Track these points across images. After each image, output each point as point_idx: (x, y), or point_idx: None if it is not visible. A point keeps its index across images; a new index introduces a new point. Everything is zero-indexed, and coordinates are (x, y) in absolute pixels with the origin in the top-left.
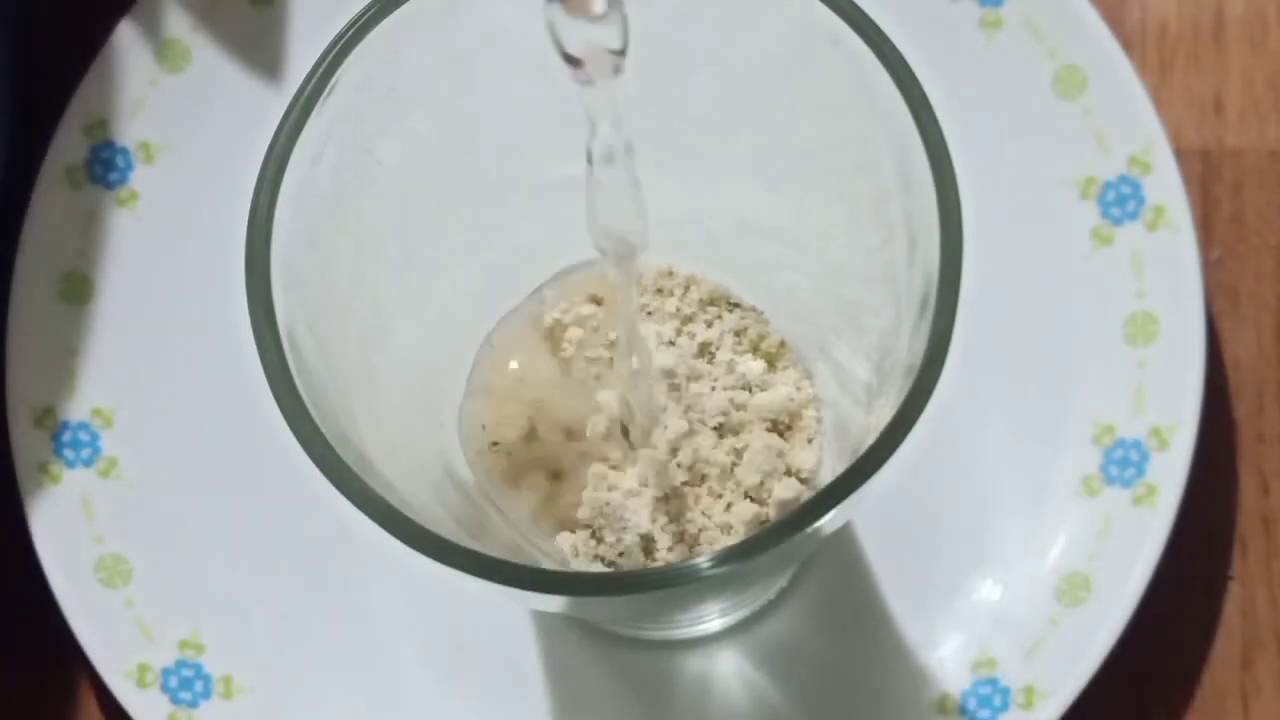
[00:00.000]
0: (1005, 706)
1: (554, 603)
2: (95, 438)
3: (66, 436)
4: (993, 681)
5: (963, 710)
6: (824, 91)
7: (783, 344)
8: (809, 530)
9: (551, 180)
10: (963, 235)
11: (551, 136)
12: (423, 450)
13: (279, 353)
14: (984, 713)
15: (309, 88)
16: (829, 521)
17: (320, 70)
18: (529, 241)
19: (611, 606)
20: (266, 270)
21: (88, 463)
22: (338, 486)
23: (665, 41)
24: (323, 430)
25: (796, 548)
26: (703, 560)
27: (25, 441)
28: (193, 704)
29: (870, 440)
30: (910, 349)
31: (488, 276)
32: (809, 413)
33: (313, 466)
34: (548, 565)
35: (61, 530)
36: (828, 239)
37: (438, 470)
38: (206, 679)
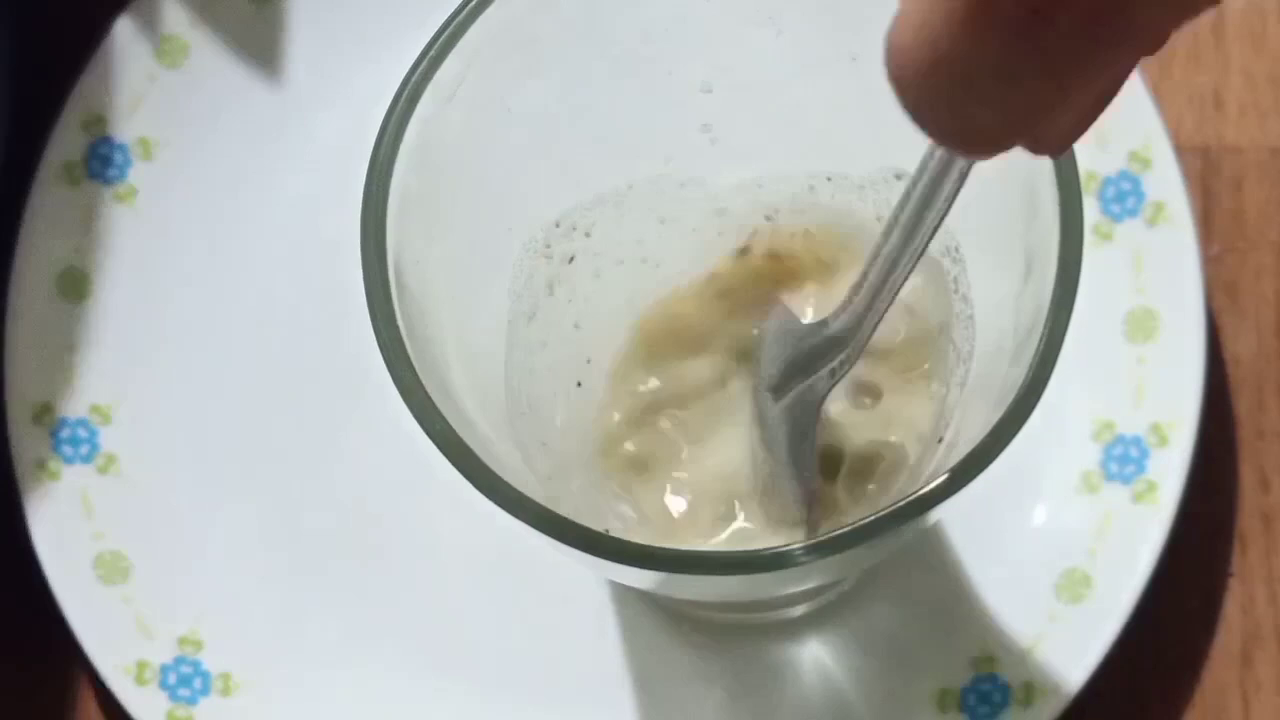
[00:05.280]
0: (1005, 703)
1: (640, 577)
2: (93, 434)
3: (65, 433)
4: (992, 678)
5: (962, 707)
6: None
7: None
8: (900, 530)
9: (681, 148)
10: (1081, 263)
11: (685, 108)
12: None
13: (384, 287)
14: (983, 709)
15: (453, 23)
16: (912, 525)
17: (467, 7)
18: (649, 210)
19: (696, 586)
20: (384, 199)
21: (86, 459)
22: (448, 458)
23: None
24: (425, 386)
25: (887, 543)
26: (797, 547)
27: (24, 438)
28: (191, 701)
29: (956, 456)
30: (1009, 375)
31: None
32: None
33: (319, 463)
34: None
35: (60, 527)
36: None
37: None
38: (205, 676)
